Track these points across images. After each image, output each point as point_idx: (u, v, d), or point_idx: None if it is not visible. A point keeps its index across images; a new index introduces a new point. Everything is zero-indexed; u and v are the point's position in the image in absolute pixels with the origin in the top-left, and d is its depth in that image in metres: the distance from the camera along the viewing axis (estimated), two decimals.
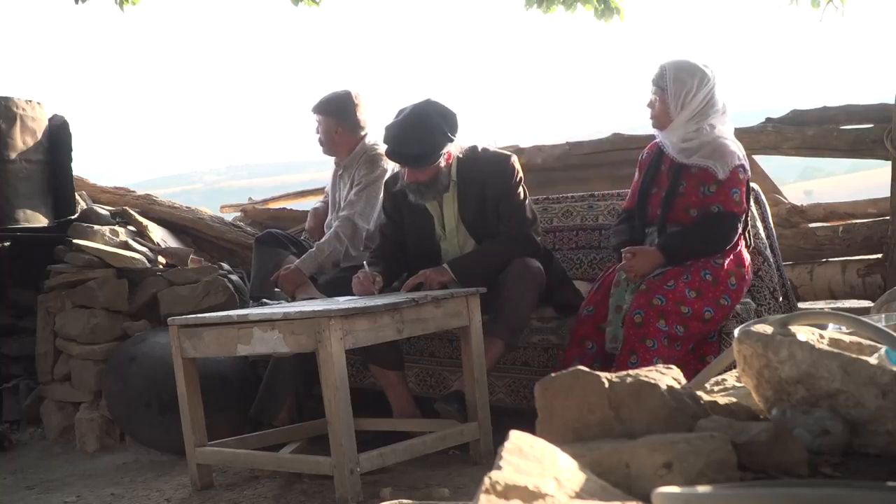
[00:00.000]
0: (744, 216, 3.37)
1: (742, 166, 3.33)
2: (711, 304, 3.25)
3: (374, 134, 4.27)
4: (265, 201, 6.21)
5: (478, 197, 3.64)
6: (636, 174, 3.60)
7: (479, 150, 3.69)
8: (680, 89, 3.35)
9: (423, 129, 3.49)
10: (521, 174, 3.66)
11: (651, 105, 3.45)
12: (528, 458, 0.89)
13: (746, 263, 3.39)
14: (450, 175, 3.62)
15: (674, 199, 3.38)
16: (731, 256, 3.33)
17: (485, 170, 3.63)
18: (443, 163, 3.56)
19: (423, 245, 3.74)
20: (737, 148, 3.37)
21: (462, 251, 3.70)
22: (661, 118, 3.43)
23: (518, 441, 0.91)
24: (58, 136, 5.09)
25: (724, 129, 3.41)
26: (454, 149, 3.61)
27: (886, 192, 4.42)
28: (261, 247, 4.26)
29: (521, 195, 3.64)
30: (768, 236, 3.71)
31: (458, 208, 3.67)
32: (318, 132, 4.26)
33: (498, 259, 3.55)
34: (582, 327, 3.41)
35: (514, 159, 3.67)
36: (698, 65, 3.38)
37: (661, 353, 3.15)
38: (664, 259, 3.31)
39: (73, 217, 4.91)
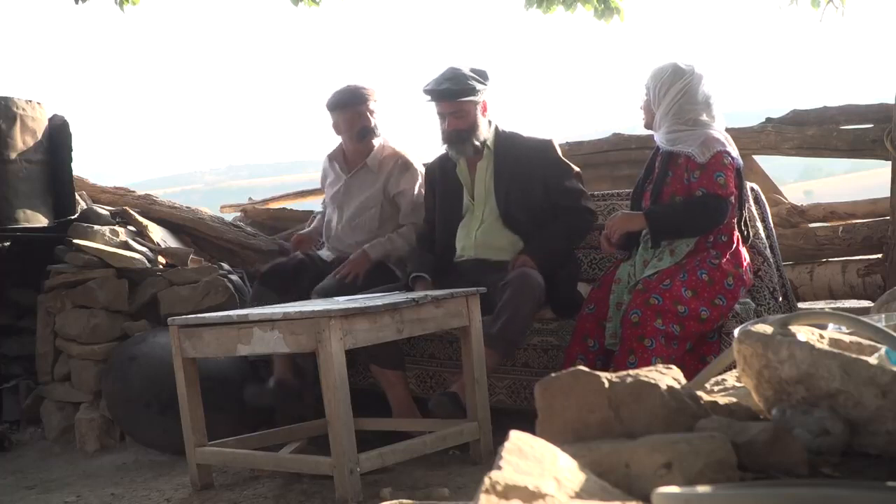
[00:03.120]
0: (731, 200, 3.37)
1: (726, 152, 3.36)
2: (707, 304, 3.25)
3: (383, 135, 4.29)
4: (265, 201, 6.21)
5: (517, 175, 3.82)
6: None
7: (520, 134, 3.94)
8: (656, 85, 3.46)
9: (454, 73, 3.81)
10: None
11: (641, 106, 3.56)
12: (528, 458, 0.89)
13: (745, 264, 3.39)
14: (485, 137, 3.85)
15: (661, 189, 3.42)
16: (728, 256, 3.33)
17: (527, 153, 3.85)
18: (481, 112, 3.82)
19: (450, 217, 3.93)
20: (723, 138, 3.41)
21: (483, 224, 3.83)
22: (647, 116, 3.53)
23: (518, 441, 0.91)
24: (58, 136, 5.08)
25: (714, 123, 3.45)
26: (489, 102, 3.87)
27: (886, 192, 4.42)
28: (261, 288, 4.06)
29: (575, 170, 3.90)
30: (768, 236, 3.70)
31: (493, 178, 3.85)
32: (364, 135, 4.16)
33: (567, 240, 3.82)
34: (584, 325, 3.43)
35: (556, 142, 3.97)
36: (678, 64, 3.47)
37: (659, 352, 3.15)
38: (647, 224, 3.37)
39: (73, 217, 4.90)
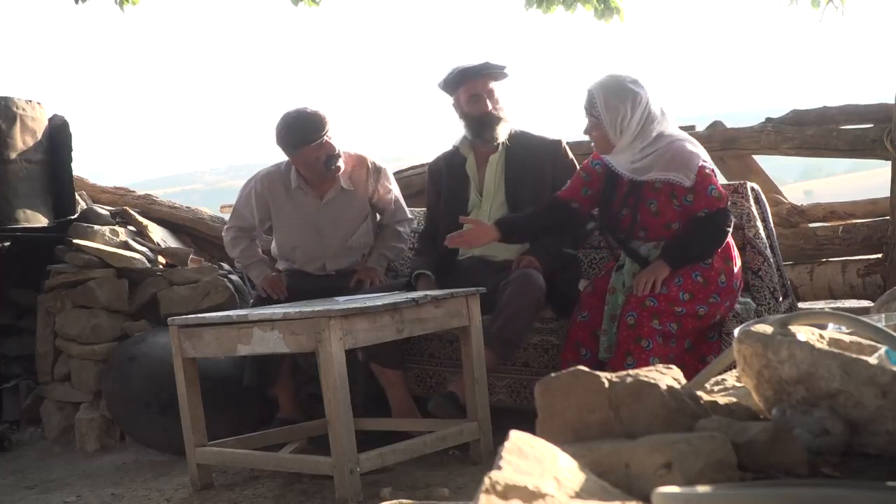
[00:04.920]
0: (728, 205, 3.34)
1: (704, 162, 3.26)
2: (703, 303, 3.24)
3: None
4: None
5: (527, 173, 3.82)
6: (582, 174, 3.51)
7: (530, 133, 3.95)
8: (615, 117, 3.24)
9: (476, 62, 3.85)
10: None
11: (588, 133, 3.35)
12: (528, 458, 0.89)
13: (734, 254, 3.35)
14: (510, 125, 3.86)
15: (648, 219, 3.33)
16: (718, 252, 3.31)
17: (538, 151, 3.86)
18: (506, 94, 3.84)
19: (455, 215, 3.87)
20: (691, 146, 3.29)
21: (490, 222, 3.77)
22: (603, 145, 3.33)
23: (518, 441, 0.91)
24: (58, 136, 5.08)
25: (669, 130, 3.32)
26: (511, 93, 3.91)
27: (886, 192, 4.43)
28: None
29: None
30: (768, 236, 3.70)
31: (504, 174, 3.85)
32: (332, 164, 3.93)
33: (571, 243, 3.81)
34: (577, 333, 3.40)
35: (565, 142, 4.00)
36: (627, 84, 3.26)
37: (656, 352, 3.14)
38: (670, 268, 3.26)
39: (73, 217, 4.90)
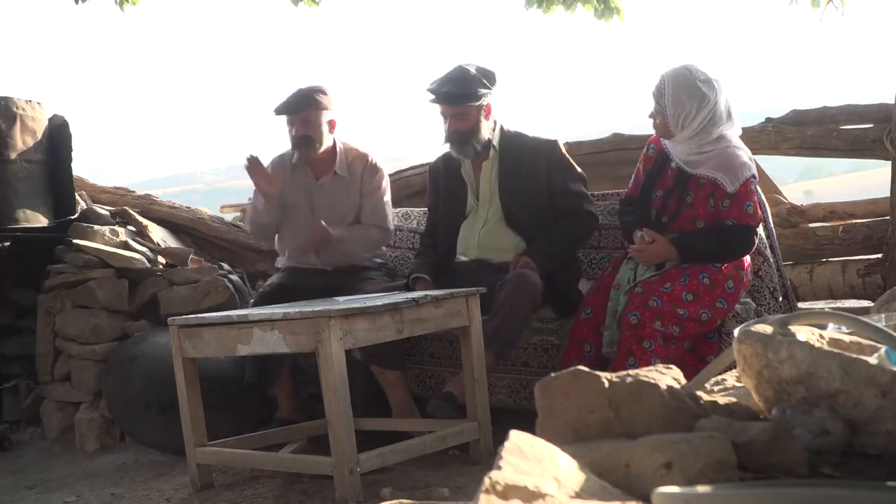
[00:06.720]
0: (759, 227, 3.37)
1: (753, 176, 3.31)
2: (708, 307, 3.24)
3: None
4: None
5: (522, 175, 3.80)
6: (640, 165, 3.58)
7: (525, 134, 3.92)
8: (679, 112, 3.28)
9: (460, 74, 3.76)
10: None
11: (653, 117, 3.40)
12: (528, 458, 0.89)
13: (746, 265, 3.38)
14: (491, 138, 3.82)
15: (680, 209, 3.36)
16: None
17: (532, 153, 3.83)
18: (484, 115, 3.77)
19: (453, 217, 3.90)
20: (746, 157, 3.33)
21: (486, 225, 3.82)
22: (663, 131, 3.39)
23: (518, 441, 0.91)
24: (58, 136, 5.08)
25: (731, 133, 3.36)
26: (494, 105, 3.81)
27: (886, 192, 4.42)
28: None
29: (578, 171, 3.87)
30: (768, 236, 3.70)
31: (497, 179, 3.82)
32: (302, 144, 3.94)
33: (569, 244, 3.79)
34: (581, 330, 3.41)
35: (561, 142, 3.97)
36: (698, 83, 3.27)
37: (658, 353, 3.15)
38: (677, 256, 3.30)
39: (73, 217, 4.90)
